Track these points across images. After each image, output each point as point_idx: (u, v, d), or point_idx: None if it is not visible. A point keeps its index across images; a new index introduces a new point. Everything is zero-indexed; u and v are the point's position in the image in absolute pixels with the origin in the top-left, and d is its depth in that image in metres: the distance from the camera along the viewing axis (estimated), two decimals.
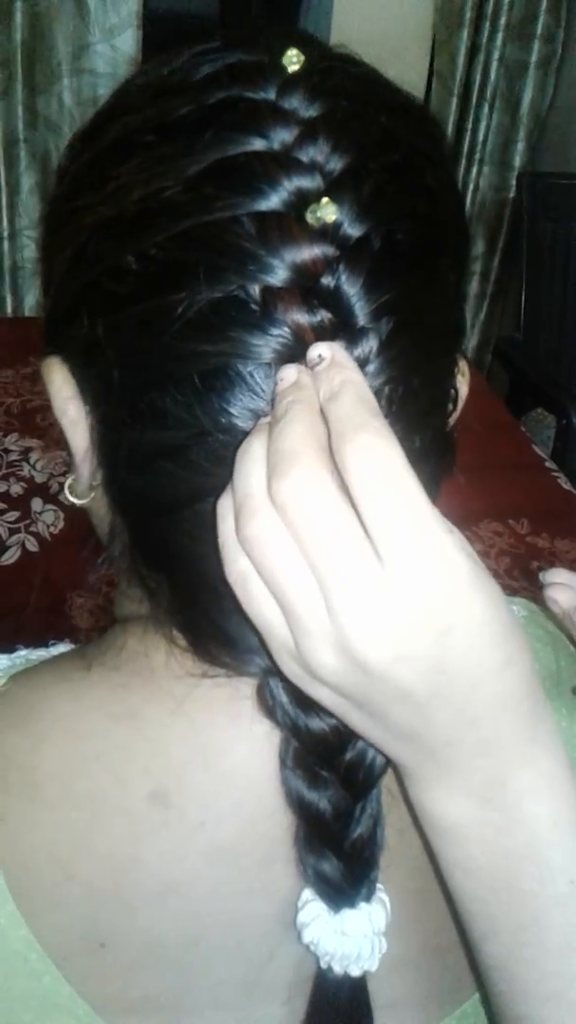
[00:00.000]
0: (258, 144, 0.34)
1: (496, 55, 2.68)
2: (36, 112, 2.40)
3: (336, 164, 0.34)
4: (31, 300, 2.59)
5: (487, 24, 2.64)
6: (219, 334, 0.33)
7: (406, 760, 0.35)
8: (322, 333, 0.33)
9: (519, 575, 1.48)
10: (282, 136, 0.34)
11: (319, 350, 0.32)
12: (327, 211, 0.33)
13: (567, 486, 1.71)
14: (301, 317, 0.33)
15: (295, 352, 0.33)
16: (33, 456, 1.60)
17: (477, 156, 2.81)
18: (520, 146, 2.82)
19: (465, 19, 2.61)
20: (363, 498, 0.30)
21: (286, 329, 0.33)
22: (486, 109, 2.76)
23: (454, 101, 2.72)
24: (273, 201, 0.33)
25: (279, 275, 0.33)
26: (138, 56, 2.41)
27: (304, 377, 0.32)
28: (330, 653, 0.31)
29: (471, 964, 0.42)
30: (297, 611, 0.31)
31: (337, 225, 0.33)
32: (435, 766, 0.34)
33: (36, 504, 1.49)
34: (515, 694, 0.33)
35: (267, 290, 0.33)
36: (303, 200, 0.33)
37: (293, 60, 0.35)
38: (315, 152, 0.34)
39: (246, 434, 0.34)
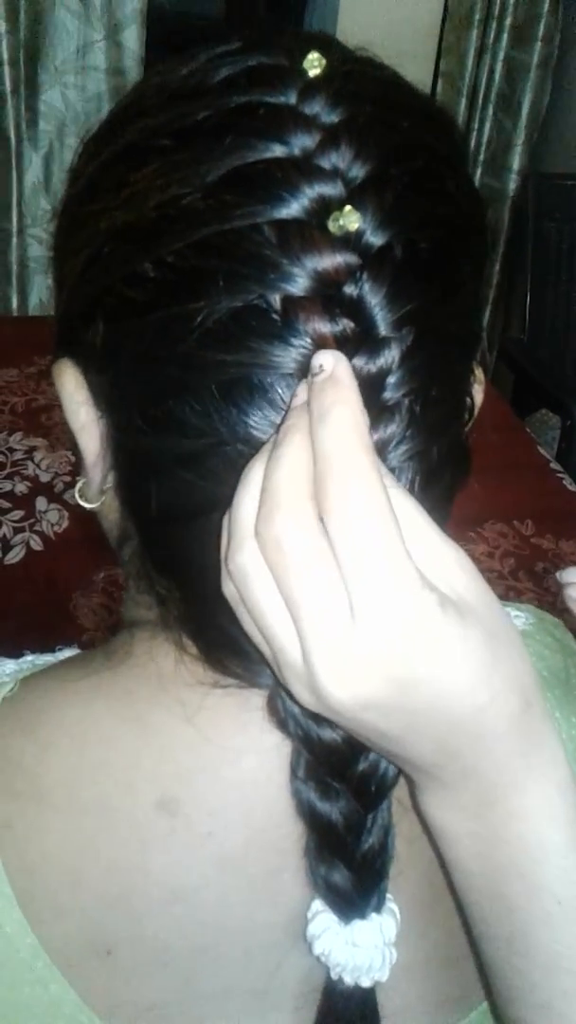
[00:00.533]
0: (278, 150, 0.33)
1: (501, 56, 2.68)
2: (40, 109, 2.40)
3: (359, 171, 0.33)
4: (36, 299, 2.58)
5: (494, 24, 2.64)
6: (238, 344, 0.33)
7: (402, 768, 0.36)
8: (344, 343, 0.33)
9: (524, 576, 1.48)
10: (303, 142, 0.33)
11: (321, 359, 0.32)
12: (350, 219, 0.32)
13: (572, 487, 1.70)
14: (323, 327, 0.33)
15: None
16: (38, 455, 1.60)
17: (481, 158, 2.81)
18: (519, 148, 2.82)
19: (474, 20, 2.61)
20: (339, 544, 0.30)
21: (307, 339, 0.33)
22: (490, 110, 2.76)
23: (462, 102, 2.72)
24: (294, 209, 0.33)
25: (300, 284, 0.32)
26: (142, 53, 2.40)
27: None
28: (304, 690, 0.32)
29: (479, 973, 0.42)
30: (275, 645, 0.32)
31: (360, 233, 0.33)
32: (426, 779, 0.35)
33: (41, 503, 1.49)
34: (497, 730, 0.33)
35: (288, 299, 0.33)
36: (325, 208, 0.33)
37: (314, 64, 0.34)
38: (337, 159, 0.33)
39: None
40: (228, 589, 0.33)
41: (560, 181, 2.54)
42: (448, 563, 0.32)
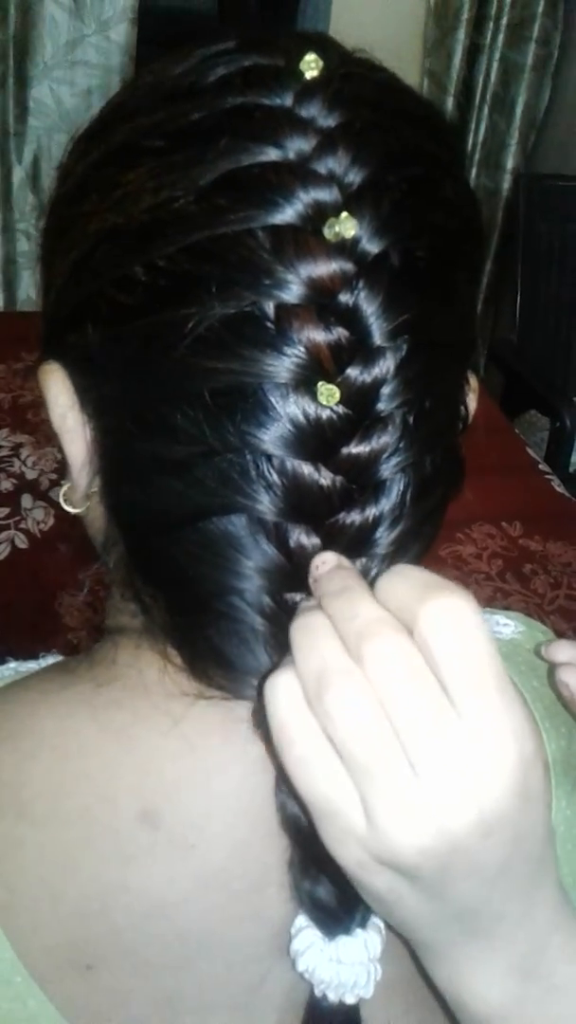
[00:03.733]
0: (274, 154, 0.32)
1: (496, 56, 2.68)
2: (28, 104, 2.38)
3: (355, 177, 0.33)
4: (23, 294, 2.57)
5: (490, 25, 2.63)
6: (231, 352, 0.32)
7: (446, 943, 0.34)
8: (338, 352, 0.32)
9: (511, 578, 1.48)
10: (299, 146, 0.33)
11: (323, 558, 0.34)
12: (346, 226, 0.32)
13: (560, 489, 1.71)
14: (317, 335, 0.32)
15: (309, 371, 0.32)
16: (24, 452, 1.59)
17: (477, 157, 2.81)
18: (513, 148, 2.83)
19: (461, 20, 2.60)
20: (447, 671, 0.30)
21: (301, 348, 0.32)
22: (486, 111, 2.76)
23: (450, 100, 2.72)
24: (289, 214, 0.32)
25: (294, 291, 0.32)
26: (132, 49, 2.39)
27: (344, 560, 0.34)
28: (418, 826, 0.30)
29: None
30: (383, 779, 0.30)
31: (356, 240, 0.32)
32: (477, 945, 0.34)
33: (26, 501, 1.48)
34: (550, 857, 0.33)
35: (281, 307, 0.32)
36: (320, 214, 0.32)
37: (311, 65, 0.34)
38: (334, 163, 0.32)
39: (255, 455, 0.33)
40: (297, 748, 0.31)
41: (551, 182, 2.54)
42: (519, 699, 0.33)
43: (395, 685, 0.30)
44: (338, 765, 0.30)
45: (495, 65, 2.70)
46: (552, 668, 0.46)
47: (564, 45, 2.74)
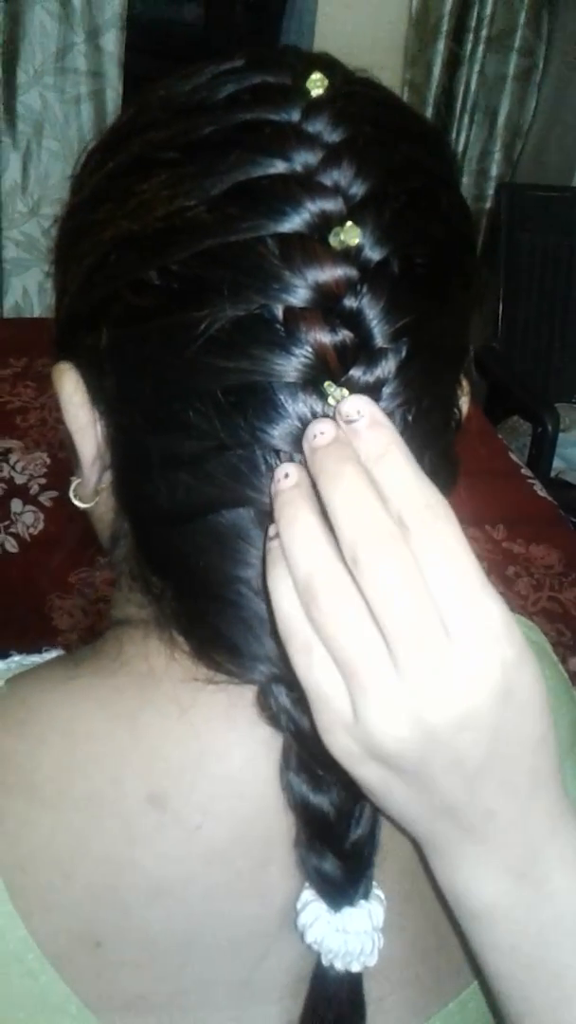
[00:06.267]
0: (282, 166, 0.34)
1: (477, 68, 2.72)
2: (18, 111, 2.39)
3: (359, 188, 0.35)
4: (12, 300, 2.57)
5: (470, 36, 2.67)
6: (241, 352, 0.34)
7: (442, 838, 0.36)
8: (343, 353, 0.34)
9: (495, 580, 1.49)
10: (306, 159, 0.34)
11: (357, 405, 0.33)
12: (351, 234, 0.33)
13: (542, 493, 1.73)
14: (323, 337, 0.34)
15: (316, 371, 0.34)
16: (13, 457, 1.59)
17: (457, 165, 2.84)
18: (497, 156, 2.86)
19: (441, 31, 2.63)
20: (434, 577, 0.31)
21: (308, 348, 0.34)
22: (466, 120, 2.79)
23: (429, 111, 2.75)
24: (296, 223, 0.34)
25: (302, 295, 0.34)
26: (122, 57, 2.40)
27: (342, 434, 0.33)
28: (396, 718, 0.32)
29: (470, 963, 0.43)
30: (365, 675, 0.32)
31: (359, 248, 0.34)
32: (472, 842, 0.35)
33: (16, 505, 1.48)
34: (547, 767, 0.35)
35: (290, 310, 0.34)
36: (326, 223, 0.34)
37: (317, 84, 0.35)
38: (338, 176, 0.34)
39: (264, 451, 0.35)
40: (301, 636, 0.33)
41: (533, 192, 2.57)
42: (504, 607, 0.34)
43: (385, 591, 0.31)
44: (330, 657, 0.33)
45: (475, 76, 2.73)
46: None
47: (548, 56, 2.78)
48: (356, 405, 0.33)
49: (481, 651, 0.32)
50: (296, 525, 0.33)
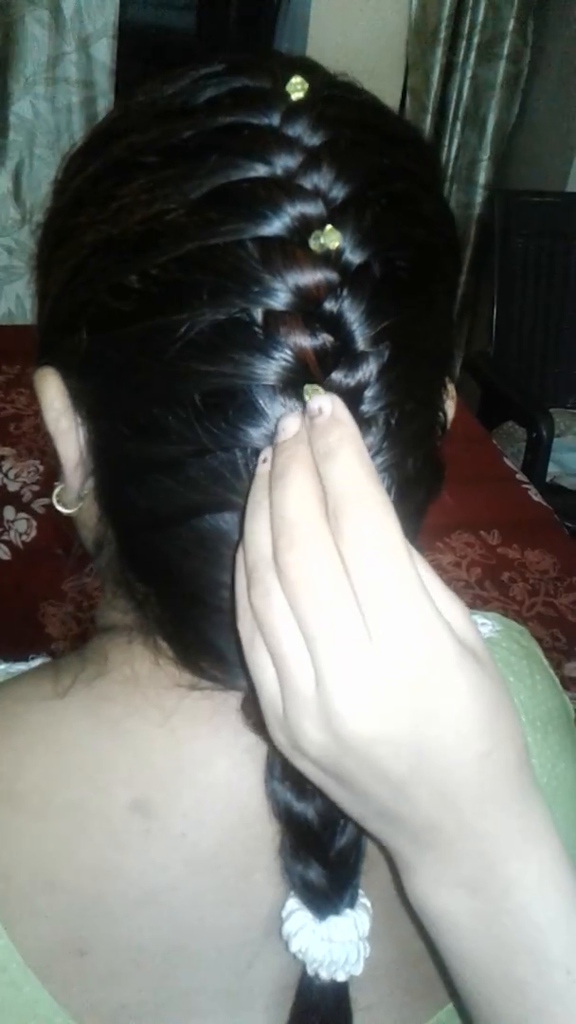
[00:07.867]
0: (262, 170, 0.34)
1: (469, 74, 2.73)
2: (10, 120, 2.39)
3: (339, 192, 0.34)
4: (4, 308, 2.57)
5: (462, 43, 2.68)
6: (221, 355, 0.34)
7: (391, 842, 0.35)
8: (323, 356, 0.34)
9: (490, 586, 1.50)
10: (285, 163, 0.34)
11: (319, 403, 0.33)
12: (331, 238, 0.33)
13: (537, 498, 1.73)
14: (303, 340, 0.34)
15: (296, 375, 0.34)
16: (6, 464, 1.59)
17: (449, 173, 2.85)
18: (485, 163, 2.87)
19: (439, 38, 2.65)
20: (357, 573, 0.31)
21: (288, 352, 0.34)
22: (458, 127, 2.80)
23: (428, 119, 2.76)
24: (276, 226, 0.34)
25: (282, 299, 0.33)
26: (113, 66, 2.41)
27: (303, 431, 0.33)
28: (313, 724, 0.32)
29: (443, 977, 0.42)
30: (288, 675, 0.32)
31: (339, 251, 0.34)
32: (420, 851, 0.35)
33: (8, 512, 1.48)
34: (495, 782, 0.33)
35: (270, 313, 0.33)
36: (306, 226, 0.34)
37: (297, 87, 0.35)
38: (318, 179, 0.34)
39: (245, 454, 0.34)
40: (248, 621, 0.33)
41: (527, 198, 2.58)
42: (455, 609, 0.33)
43: (299, 591, 0.31)
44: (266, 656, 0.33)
45: (467, 82, 2.75)
46: None
47: (534, 62, 2.79)
48: (320, 402, 0.33)
49: (401, 657, 0.31)
50: (255, 519, 0.33)
